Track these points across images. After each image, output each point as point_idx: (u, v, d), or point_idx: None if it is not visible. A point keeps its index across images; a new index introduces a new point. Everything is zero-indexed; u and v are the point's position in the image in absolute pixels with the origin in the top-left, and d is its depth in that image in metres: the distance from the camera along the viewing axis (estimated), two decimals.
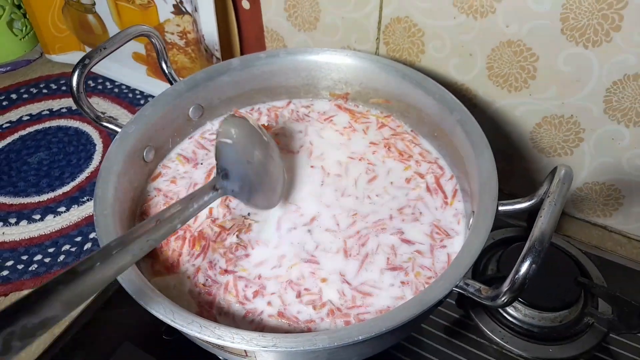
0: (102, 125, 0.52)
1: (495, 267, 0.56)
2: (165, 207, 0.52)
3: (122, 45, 0.53)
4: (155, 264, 0.47)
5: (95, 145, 0.76)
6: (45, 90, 0.85)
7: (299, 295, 0.45)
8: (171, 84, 0.58)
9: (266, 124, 0.61)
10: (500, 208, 0.43)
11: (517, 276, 0.35)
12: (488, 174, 0.45)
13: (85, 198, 0.68)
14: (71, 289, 0.30)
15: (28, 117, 0.80)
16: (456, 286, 0.38)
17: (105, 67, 0.86)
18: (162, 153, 0.57)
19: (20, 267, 0.61)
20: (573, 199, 0.64)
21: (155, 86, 0.82)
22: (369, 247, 0.48)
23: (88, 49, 0.86)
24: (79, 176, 0.71)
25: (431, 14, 0.58)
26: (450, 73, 0.61)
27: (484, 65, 0.58)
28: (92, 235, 0.64)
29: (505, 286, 0.35)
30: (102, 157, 0.71)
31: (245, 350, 0.38)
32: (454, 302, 0.55)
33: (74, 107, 0.51)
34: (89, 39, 0.85)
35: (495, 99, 0.60)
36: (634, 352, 0.51)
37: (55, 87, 0.86)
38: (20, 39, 0.90)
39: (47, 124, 0.79)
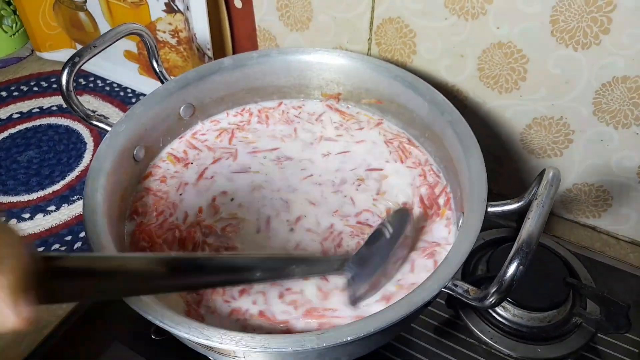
0: (92, 124, 0.52)
1: (485, 268, 0.56)
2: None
3: (112, 44, 0.52)
4: None
5: (85, 143, 0.75)
6: (35, 88, 0.85)
7: (281, 296, 0.45)
8: (162, 82, 0.58)
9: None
10: (489, 209, 0.43)
11: (504, 278, 0.35)
12: (478, 175, 0.45)
13: (75, 197, 0.68)
14: None
15: (18, 115, 0.80)
16: (445, 287, 0.39)
17: (97, 65, 0.85)
18: (152, 152, 0.57)
19: None
20: (562, 200, 0.65)
21: (147, 85, 0.82)
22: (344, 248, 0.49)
23: (79, 47, 0.85)
24: (69, 175, 0.71)
25: (423, 15, 0.58)
26: (442, 74, 0.62)
27: (475, 67, 0.59)
28: (82, 234, 0.63)
29: (493, 288, 0.36)
30: (93, 155, 0.70)
31: (233, 351, 0.38)
32: (443, 302, 0.55)
33: (65, 105, 0.51)
34: (80, 36, 0.85)
35: (486, 100, 0.61)
36: (621, 352, 0.52)
37: (46, 84, 0.85)
38: (11, 36, 0.89)
39: (37, 122, 0.79)
